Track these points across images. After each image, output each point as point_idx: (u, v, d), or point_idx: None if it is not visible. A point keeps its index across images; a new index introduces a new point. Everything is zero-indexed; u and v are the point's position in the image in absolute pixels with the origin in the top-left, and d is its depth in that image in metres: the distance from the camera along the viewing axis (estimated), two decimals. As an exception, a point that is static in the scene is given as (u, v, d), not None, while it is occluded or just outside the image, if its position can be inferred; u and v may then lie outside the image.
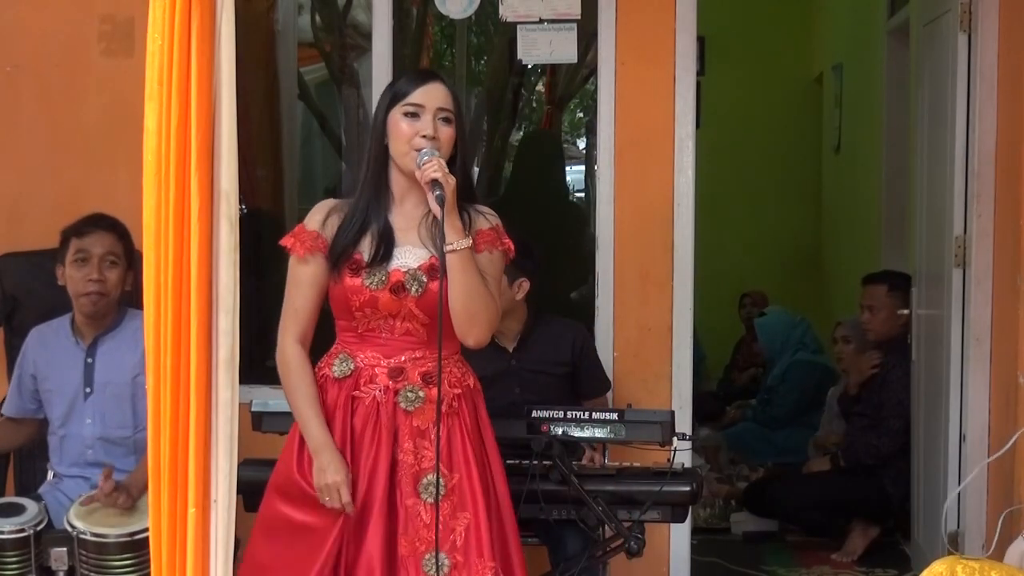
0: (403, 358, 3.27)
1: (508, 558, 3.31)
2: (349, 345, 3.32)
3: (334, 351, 3.36)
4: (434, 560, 3.18)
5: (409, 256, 3.26)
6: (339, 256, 3.26)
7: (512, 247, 3.35)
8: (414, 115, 3.24)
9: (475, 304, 3.21)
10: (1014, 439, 3.90)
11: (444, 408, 3.24)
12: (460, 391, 3.32)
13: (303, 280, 3.29)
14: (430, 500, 3.21)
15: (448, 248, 3.16)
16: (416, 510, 3.22)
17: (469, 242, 3.20)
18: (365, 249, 3.27)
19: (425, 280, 3.23)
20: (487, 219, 3.32)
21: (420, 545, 3.20)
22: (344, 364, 3.30)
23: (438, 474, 3.20)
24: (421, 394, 3.24)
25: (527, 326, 4.43)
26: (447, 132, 3.25)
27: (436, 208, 3.15)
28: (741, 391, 8.17)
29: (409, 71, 3.49)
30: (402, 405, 3.24)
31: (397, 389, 3.25)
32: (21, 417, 4.37)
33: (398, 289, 3.22)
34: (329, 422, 3.26)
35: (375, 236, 3.26)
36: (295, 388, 3.29)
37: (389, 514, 3.22)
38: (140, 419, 4.09)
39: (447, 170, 3.16)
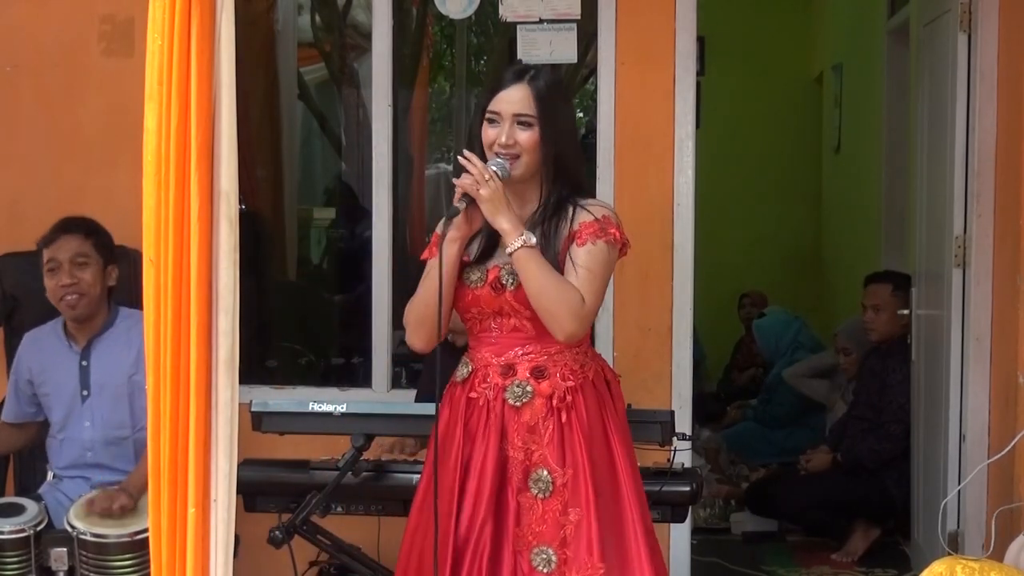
0: (512, 354, 3.27)
1: (627, 557, 3.25)
2: (471, 348, 3.35)
3: (463, 357, 3.38)
4: (542, 554, 3.19)
5: (506, 253, 3.24)
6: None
7: (619, 236, 3.27)
8: (494, 121, 3.25)
9: (546, 301, 3.15)
10: (1014, 442, 3.89)
11: (556, 402, 3.22)
12: (574, 383, 3.26)
13: (430, 271, 3.29)
14: (540, 495, 3.21)
15: (509, 249, 3.16)
16: (528, 504, 3.22)
17: (521, 242, 3.15)
18: (473, 250, 3.29)
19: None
20: (590, 211, 3.26)
21: (532, 539, 3.20)
22: (464, 367, 3.33)
23: (435, 468, 3.19)
24: (529, 389, 3.23)
25: None
26: (525, 137, 3.22)
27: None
28: (741, 391, 8.18)
29: (507, 68, 3.43)
30: (510, 401, 3.24)
31: (505, 386, 3.25)
32: (22, 422, 4.38)
33: (496, 285, 3.23)
34: (451, 422, 3.29)
35: (483, 237, 3.28)
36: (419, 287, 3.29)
37: (499, 510, 3.22)
38: (138, 419, 4.10)
39: (487, 178, 3.14)
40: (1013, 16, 4.58)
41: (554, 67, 3.53)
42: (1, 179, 5.05)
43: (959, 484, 4.80)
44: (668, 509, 3.86)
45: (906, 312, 5.64)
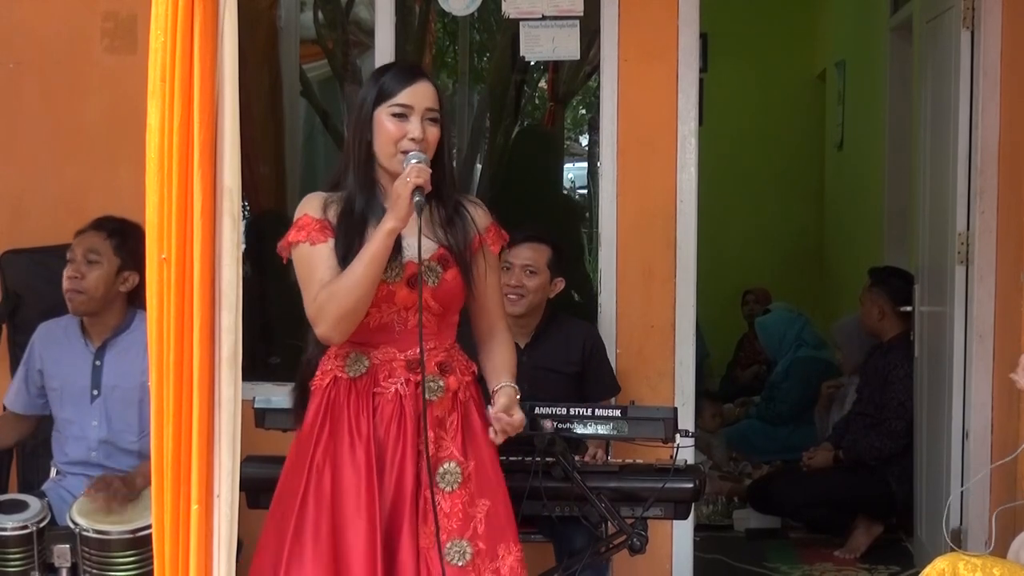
0: (418, 349, 3.22)
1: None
2: (359, 343, 3.27)
3: (338, 352, 3.29)
4: (456, 547, 3.18)
5: (417, 247, 3.23)
6: (347, 251, 3.19)
7: (507, 239, 3.43)
8: (402, 116, 3.21)
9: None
10: (1021, 449, 3.90)
11: (460, 396, 3.28)
12: (470, 377, 3.32)
13: (325, 255, 3.19)
14: (447, 488, 3.21)
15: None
16: (436, 500, 3.20)
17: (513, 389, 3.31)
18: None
19: (440, 270, 3.24)
20: (486, 213, 3.36)
21: (443, 534, 3.17)
22: (358, 362, 3.26)
23: (429, 460, 3.19)
24: (441, 383, 3.25)
25: (541, 324, 4.44)
26: (434, 133, 3.22)
27: (415, 216, 3.14)
28: (744, 388, 8.17)
29: (394, 66, 3.42)
30: (428, 397, 3.22)
31: (418, 381, 3.23)
32: (28, 414, 4.37)
33: (414, 282, 3.21)
34: (348, 420, 3.22)
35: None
36: (343, 275, 3.18)
37: (415, 508, 3.20)
38: (146, 425, 4.06)
39: (428, 176, 3.14)
40: (1016, 13, 4.59)
41: None
42: (4, 176, 5.05)
43: (962, 480, 4.80)
44: (671, 506, 3.85)
45: (909, 308, 5.64)
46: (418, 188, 3.11)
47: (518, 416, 3.25)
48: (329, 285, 3.15)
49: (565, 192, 8.83)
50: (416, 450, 3.21)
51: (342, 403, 3.25)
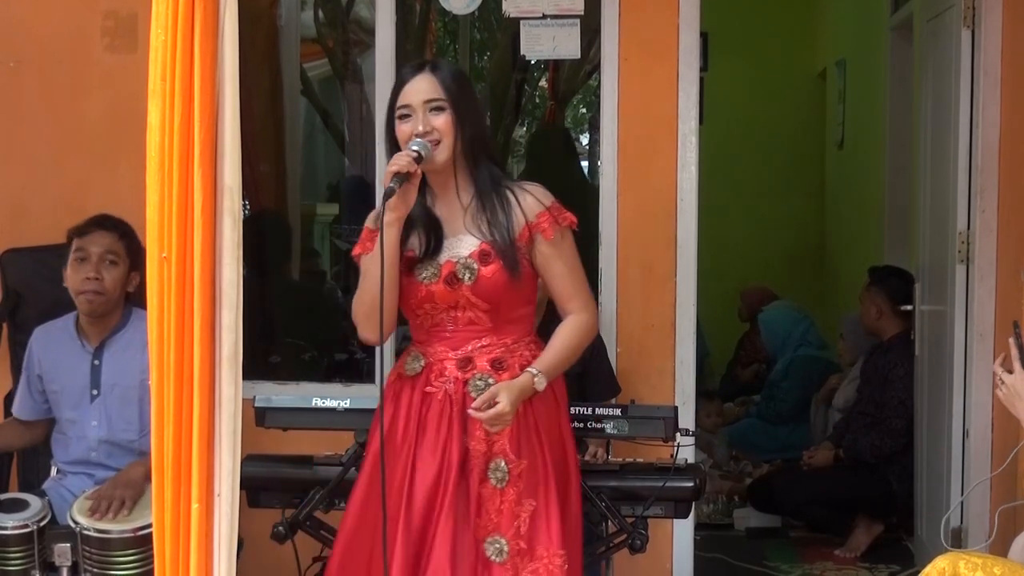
0: (470, 347, 3.28)
1: (575, 549, 3.30)
2: (419, 343, 3.34)
3: (407, 351, 3.38)
4: (495, 544, 3.20)
5: (460, 245, 3.27)
6: None
7: (575, 220, 3.34)
8: (406, 116, 3.26)
9: (579, 351, 3.34)
10: (1017, 449, 3.90)
11: None
12: None
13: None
14: (497, 485, 3.22)
15: (539, 388, 3.22)
16: (486, 495, 3.23)
17: (541, 382, 3.22)
18: (416, 245, 3.29)
19: (476, 266, 3.24)
20: (535, 197, 3.31)
21: (490, 528, 3.21)
22: (415, 361, 3.32)
23: (382, 465, 3.18)
24: (491, 381, 3.24)
25: (544, 322, 4.43)
26: (440, 120, 3.23)
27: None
28: (744, 387, 8.17)
29: (400, 70, 3.47)
30: (473, 394, 3.23)
31: (466, 379, 3.25)
32: (35, 419, 4.37)
33: (451, 279, 3.24)
34: (404, 418, 3.28)
35: (422, 231, 3.28)
36: (363, 277, 3.26)
37: (461, 502, 3.22)
38: (146, 423, 4.05)
39: (408, 160, 3.15)
40: (1016, 12, 4.59)
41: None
42: (4, 175, 5.05)
43: (962, 480, 4.80)
44: (671, 505, 3.85)
45: (909, 307, 5.64)
46: (396, 175, 3.13)
47: (488, 412, 3.11)
48: (358, 288, 3.25)
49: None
50: (462, 447, 3.23)
51: (403, 400, 3.31)
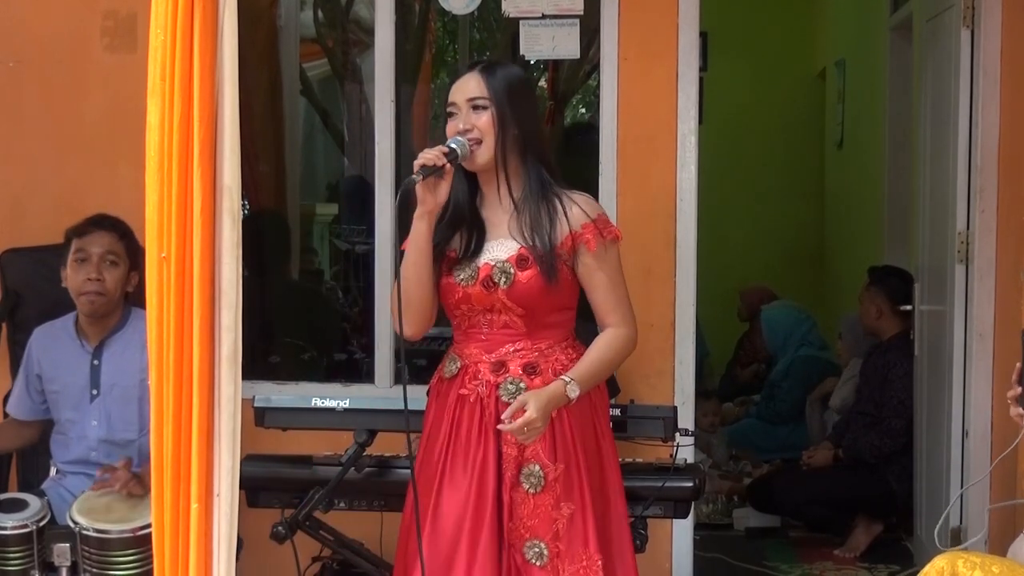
0: (504, 351, 3.27)
1: (615, 552, 3.30)
2: (457, 344, 3.35)
3: (447, 353, 3.39)
4: (534, 547, 3.21)
5: (499, 249, 3.27)
6: (434, 253, 3.28)
7: (619, 234, 3.35)
8: (453, 115, 3.28)
9: (616, 365, 3.36)
10: (1019, 439, 3.89)
11: None
12: None
13: None
14: (531, 490, 3.22)
15: (572, 397, 3.19)
16: (519, 499, 3.23)
17: (573, 392, 3.19)
18: (458, 245, 3.29)
19: (513, 271, 3.23)
20: (582, 208, 3.29)
21: (525, 532, 3.22)
22: (453, 363, 3.33)
23: (412, 464, 3.20)
24: (522, 386, 3.23)
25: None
26: (481, 119, 3.24)
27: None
28: (744, 387, 8.17)
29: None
30: (504, 398, 3.23)
31: (498, 383, 3.25)
32: (31, 419, 4.37)
33: (488, 283, 3.23)
34: (438, 417, 3.30)
35: (466, 231, 3.29)
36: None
37: (493, 506, 3.22)
38: (146, 422, 4.05)
39: (438, 154, 3.16)
40: (1016, 12, 4.59)
41: (516, 65, 3.60)
42: (4, 175, 5.05)
43: (962, 480, 4.80)
44: (671, 505, 3.86)
45: (909, 307, 5.63)
46: (423, 167, 3.14)
47: (516, 423, 3.09)
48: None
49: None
50: (497, 450, 3.23)
51: (441, 401, 3.32)
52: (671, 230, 4.79)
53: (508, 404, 3.18)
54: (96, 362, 4.22)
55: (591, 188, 4.78)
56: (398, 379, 5.07)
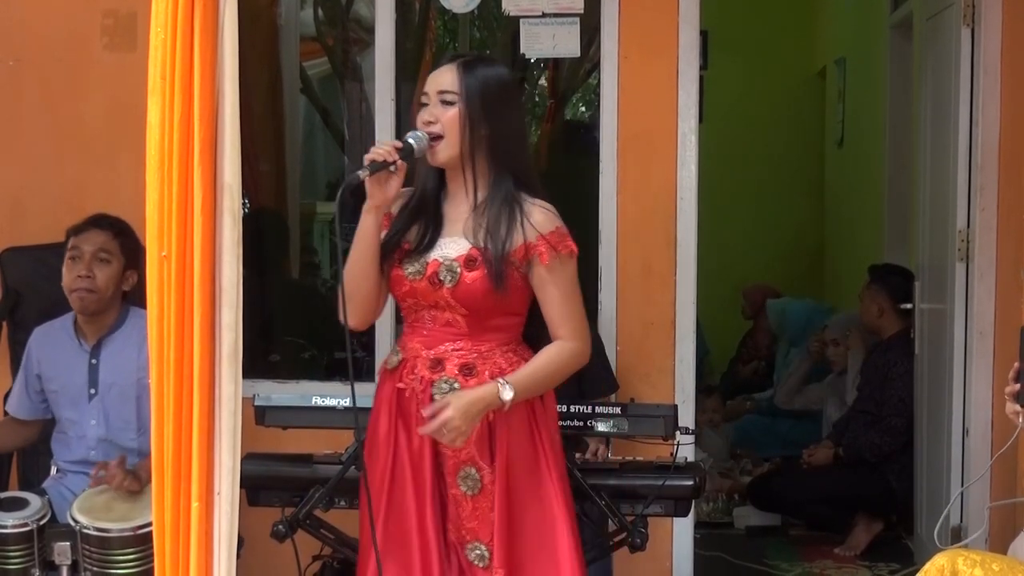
0: (443, 348, 3.23)
1: (553, 559, 3.24)
2: (403, 336, 3.32)
3: (396, 342, 3.38)
4: (476, 549, 3.21)
5: (451, 247, 3.22)
6: (387, 242, 3.24)
7: (575, 249, 3.26)
8: (424, 105, 3.24)
9: (560, 379, 3.28)
10: (1016, 434, 3.89)
11: None
12: None
13: None
14: (468, 492, 3.21)
15: (506, 405, 3.15)
16: (457, 499, 3.22)
17: (508, 396, 3.14)
18: (413, 238, 3.25)
19: (460, 271, 3.18)
20: (542, 221, 3.21)
21: (465, 534, 3.22)
22: (395, 355, 3.30)
23: (362, 459, 3.20)
24: (456, 386, 3.19)
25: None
26: (446, 114, 3.18)
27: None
28: (745, 384, 8.17)
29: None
30: (436, 396, 3.19)
31: (433, 380, 3.22)
32: (31, 419, 4.37)
33: (434, 279, 3.20)
34: (386, 413, 3.27)
35: (422, 225, 3.24)
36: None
37: (435, 502, 3.21)
38: (144, 421, 4.04)
39: (390, 149, 3.12)
40: (1016, 10, 4.59)
41: (503, 65, 3.52)
42: (4, 173, 5.05)
43: (962, 478, 4.80)
44: (671, 503, 3.85)
45: (909, 306, 5.63)
46: (372, 163, 3.10)
47: (432, 425, 3.08)
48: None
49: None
50: (433, 449, 3.21)
51: (383, 394, 3.31)
52: (671, 229, 4.79)
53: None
54: (94, 361, 4.22)
55: (586, 186, 4.79)
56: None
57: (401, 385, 3.25)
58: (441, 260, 3.21)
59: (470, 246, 3.21)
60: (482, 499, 3.21)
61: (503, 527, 3.20)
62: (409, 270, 3.22)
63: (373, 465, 3.25)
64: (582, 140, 7.27)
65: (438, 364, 3.22)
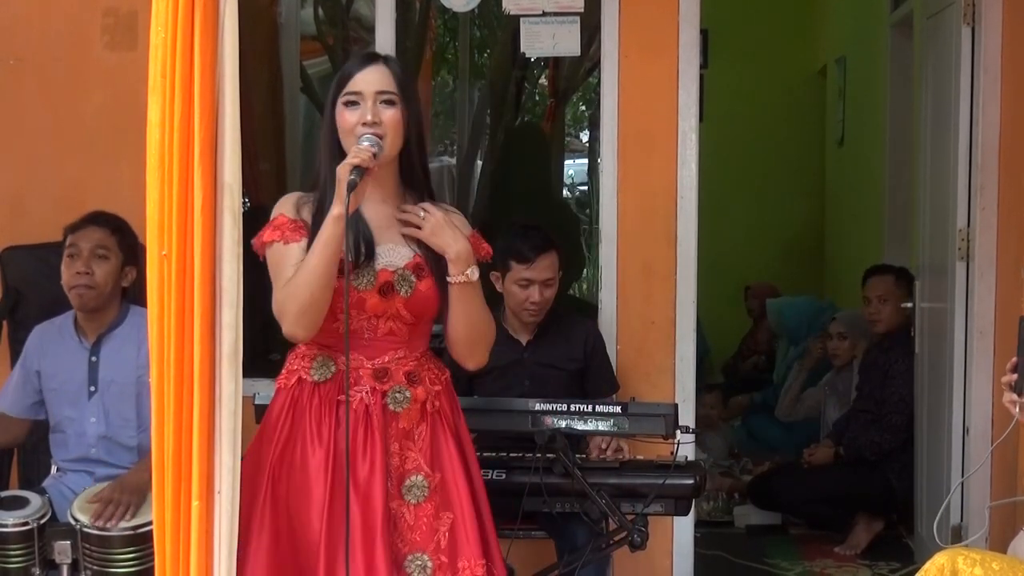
0: (387, 358, 3.16)
1: (491, 555, 3.23)
2: (328, 347, 3.17)
3: (306, 352, 3.20)
4: (416, 561, 3.11)
5: (393, 255, 3.16)
6: None
7: (490, 252, 3.28)
8: (354, 103, 3.13)
9: (477, 333, 3.20)
10: (1013, 424, 3.90)
11: (428, 407, 3.18)
12: (440, 387, 3.23)
13: (295, 254, 3.14)
14: (413, 501, 3.14)
15: (457, 280, 3.12)
16: (400, 512, 3.13)
17: (469, 274, 3.13)
18: (346, 246, 3.10)
19: (414, 280, 3.14)
20: (463, 222, 3.23)
21: (404, 547, 3.12)
22: (324, 367, 3.16)
23: (347, 472, 3.07)
24: (407, 394, 3.15)
25: (543, 322, 4.43)
26: (390, 115, 3.12)
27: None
28: (745, 382, 8.17)
29: (353, 55, 3.38)
30: (391, 407, 3.14)
31: (384, 391, 3.14)
32: (21, 417, 4.37)
33: (387, 290, 3.12)
34: (309, 424, 3.13)
35: (352, 235, 3.09)
36: (300, 270, 3.11)
37: (386, 518, 3.11)
38: (144, 419, 4.05)
39: (368, 155, 3.05)
40: (1016, 9, 4.59)
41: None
42: (4, 172, 5.05)
43: (962, 477, 4.80)
44: (672, 502, 3.86)
45: (909, 304, 5.64)
46: (356, 168, 3.01)
47: (423, 217, 3.12)
48: (289, 281, 3.10)
49: (564, 196, 8.84)
50: (385, 462, 3.12)
51: (304, 406, 3.16)
52: (671, 227, 4.79)
53: (396, 413, 3.13)
54: (94, 359, 4.23)
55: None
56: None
57: (343, 398, 3.11)
58: (392, 269, 3.14)
59: (413, 253, 3.17)
60: (426, 506, 3.14)
61: (475, 523, 3.16)
62: (358, 282, 3.11)
63: (293, 475, 3.12)
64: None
65: (384, 374, 3.15)
